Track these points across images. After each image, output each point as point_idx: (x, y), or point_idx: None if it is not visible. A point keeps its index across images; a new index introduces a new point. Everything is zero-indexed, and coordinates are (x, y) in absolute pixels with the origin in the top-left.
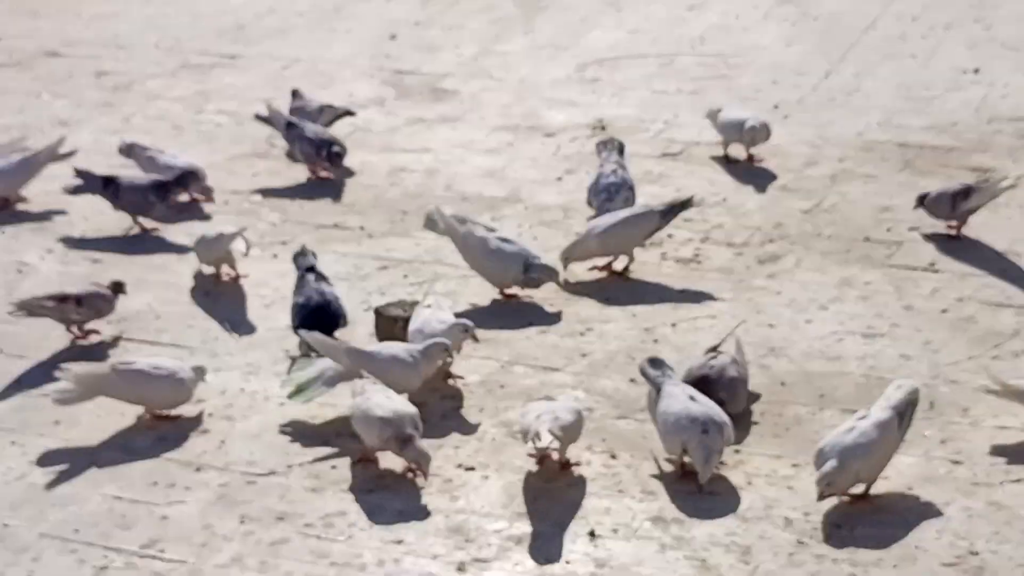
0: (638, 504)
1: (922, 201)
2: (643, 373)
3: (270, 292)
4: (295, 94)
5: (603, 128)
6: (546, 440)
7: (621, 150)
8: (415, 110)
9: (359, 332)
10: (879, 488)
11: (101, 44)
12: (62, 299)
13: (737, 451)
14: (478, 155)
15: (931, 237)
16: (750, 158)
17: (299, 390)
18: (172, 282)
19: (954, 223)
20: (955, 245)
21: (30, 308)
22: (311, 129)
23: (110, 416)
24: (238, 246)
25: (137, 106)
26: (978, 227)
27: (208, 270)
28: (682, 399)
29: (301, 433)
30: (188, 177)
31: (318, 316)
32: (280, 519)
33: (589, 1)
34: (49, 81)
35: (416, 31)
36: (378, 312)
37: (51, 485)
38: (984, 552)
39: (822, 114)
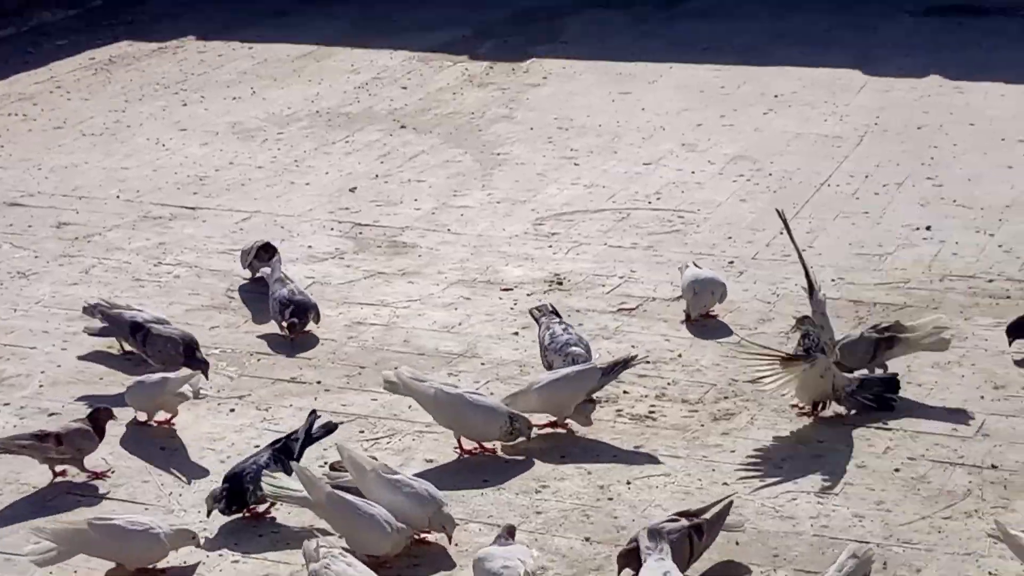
0: None
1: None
2: (637, 543)
3: (226, 447)
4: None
5: (559, 283)
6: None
7: (555, 312)
8: (373, 264)
9: None
10: None
11: (62, 195)
12: (41, 437)
13: None
14: (435, 310)
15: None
16: (707, 315)
17: (274, 489)
18: (128, 435)
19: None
20: (907, 404)
21: (7, 448)
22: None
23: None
24: (188, 389)
25: (97, 257)
26: (930, 385)
27: (141, 416)
28: (656, 573)
29: None
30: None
31: (228, 483)
32: None
33: (546, 156)
34: (9, 232)
35: (375, 185)
36: (333, 467)
37: None
38: None
39: (776, 271)
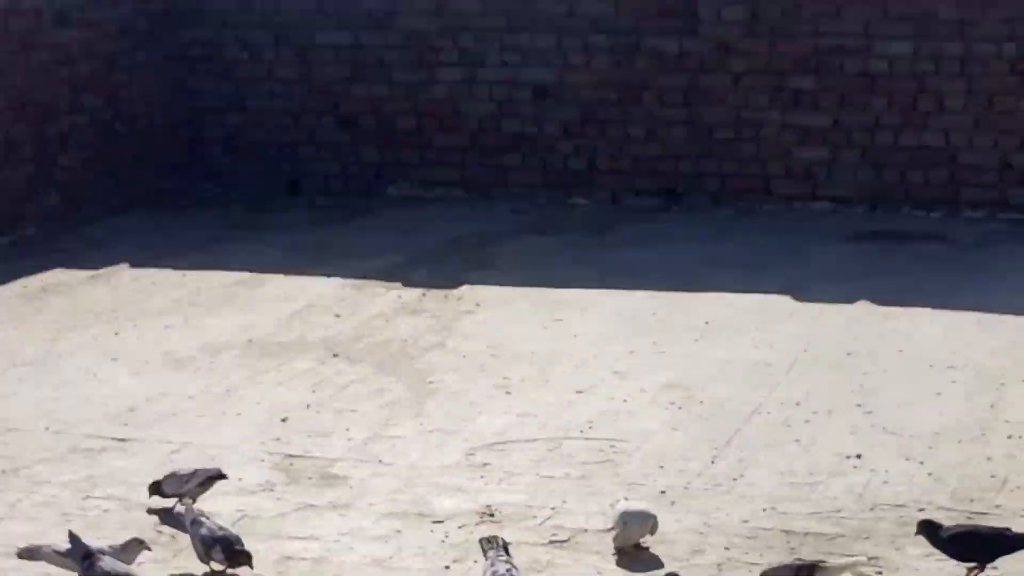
0: None
1: None
2: None
3: None
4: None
5: (491, 515)
6: None
7: (506, 548)
8: (304, 496)
9: None
10: None
11: None
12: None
13: None
14: (366, 543)
15: None
16: (638, 547)
17: None
18: None
19: None
20: None
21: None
22: (208, 526)
23: None
24: None
25: (24, 492)
26: None
27: None
28: None
29: None
30: None
31: None
32: None
33: (478, 385)
34: None
35: (307, 415)
36: None
37: None
38: None
39: (708, 501)
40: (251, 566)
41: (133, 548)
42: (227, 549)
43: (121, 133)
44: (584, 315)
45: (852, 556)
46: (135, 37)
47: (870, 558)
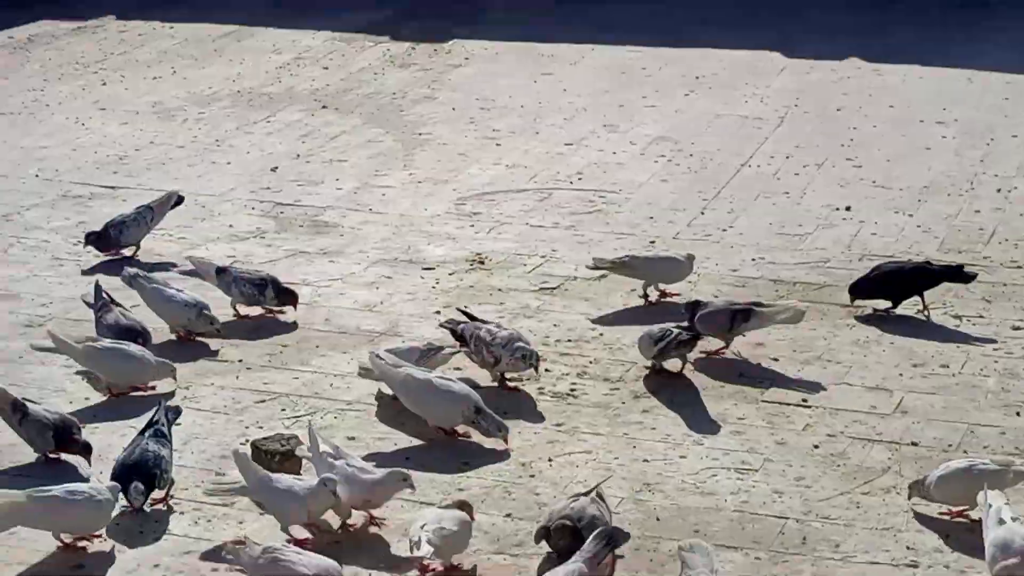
0: None
1: (693, 312)
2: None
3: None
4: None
5: (481, 262)
6: (425, 550)
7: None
8: (295, 243)
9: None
10: None
11: None
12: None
13: None
14: (357, 289)
15: (801, 375)
16: (663, 294)
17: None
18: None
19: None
20: (828, 380)
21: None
22: (240, 269)
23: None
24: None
25: (15, 236)
26: (849, 363)
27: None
28: None
29: (176, 568)
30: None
31: (133, 472)
32: None
33: (468, 136)
34: None
35: (296, 164)
36: (255, 446)
37: None
38: None
39: (697, 251)
40: (296, 307)
41: None
42: (280, 293)
43: None
44: (573, 69)
45: (788, 301)
46: None
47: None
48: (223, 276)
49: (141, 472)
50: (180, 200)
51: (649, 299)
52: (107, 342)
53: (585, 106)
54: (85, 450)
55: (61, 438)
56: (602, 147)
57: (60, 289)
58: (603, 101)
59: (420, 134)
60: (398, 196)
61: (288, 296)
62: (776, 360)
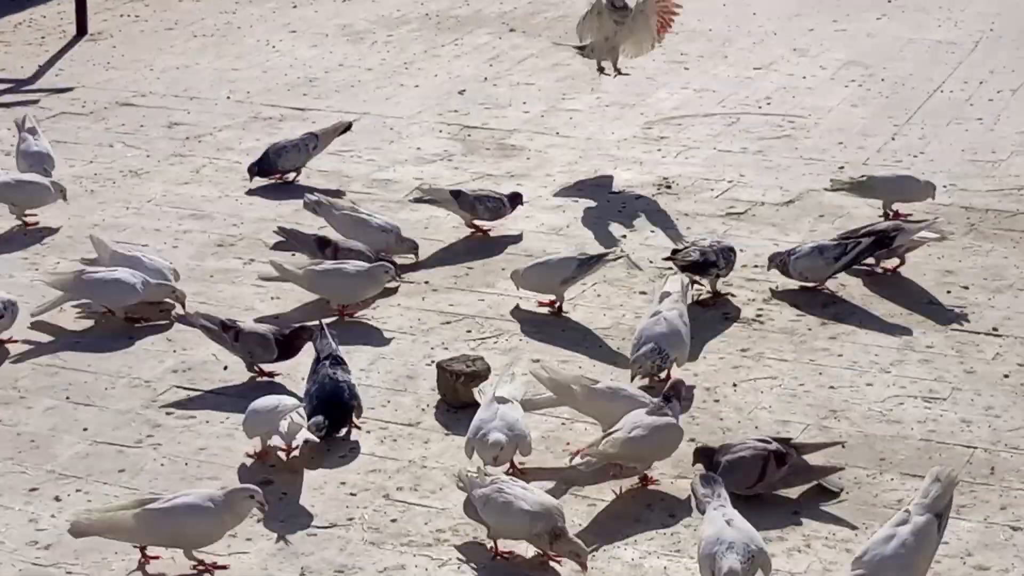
0: (696, 564)
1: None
2: (692, 491)
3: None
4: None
5: (668, 186)
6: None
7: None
8: (482, 166)
9: (423, 386)
10: (939, 552)
11: (173, 96)
12: (225, 327)
13: (795, 512)
14: (543, 212)
15: (994, 301)
16: (896, 215)
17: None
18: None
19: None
20: (1019, 309)
21: (191, 320)
22: (472, 192)
23: (173, 464)
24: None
25: (208, 157)
26: None
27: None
28: (719, 523)
29: (362, 486)
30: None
31: (331, 405)
32: (339, 572)
33: (656, 61)
34: (121, 131)
35: (484, 88)
36: (440, 367)
37: None
38: None
39: None
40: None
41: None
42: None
43: None
44: None
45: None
46: None
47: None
48: (461, 199)
49: (338, 404)
50: (348, 128)
51: (890, 214)
52: (327, 264)
53: (775, 30)
54: (312, 337)
55: (286, 343)
56: (791, 71)
57: (250, 210)
58: (793, 25)
59: None
60: (585, 120)
61: (518, 199)
62: (967, 288)
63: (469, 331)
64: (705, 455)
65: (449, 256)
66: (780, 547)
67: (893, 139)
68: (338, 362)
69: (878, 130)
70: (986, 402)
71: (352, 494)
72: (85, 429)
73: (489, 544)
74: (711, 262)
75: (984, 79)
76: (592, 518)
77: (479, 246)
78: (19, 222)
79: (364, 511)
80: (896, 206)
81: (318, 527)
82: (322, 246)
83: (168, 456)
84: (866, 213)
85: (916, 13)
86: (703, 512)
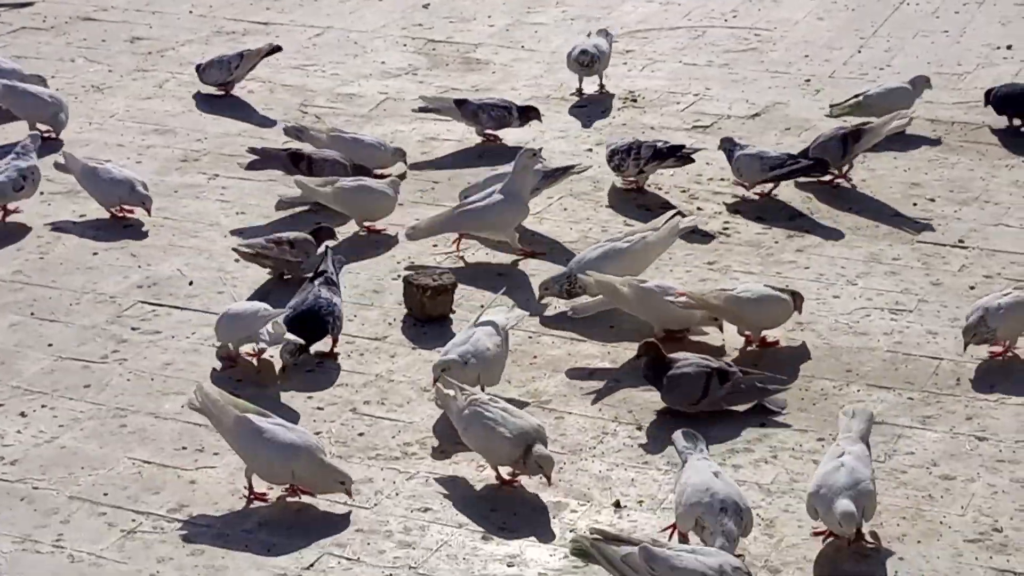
0: (663, 476)
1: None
2: (673, 444)
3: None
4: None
5: (634, 100)
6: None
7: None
8: (447, 80)
9: (388, 300)
10: (904, 462)
11: (135, 10)
12: (278, 243)
13: (762, 424)
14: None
15: (960, 213)
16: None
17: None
18: (204, 247)
19: (842, 169)
20: (985, 221)
21: (244, 253)
22: (476, 100)
23: (139, 379)
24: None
25: (170, 72)
26: (1009, 205)
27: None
28: (705, 473)
29: (329, 400)
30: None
31: (303, 322)
32: None
33: None
34: (83, 46)
35: (448, 1)
36: (407, 281)
37: (81, 448)
38: (1007, 529)
39: (853, 89)
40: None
41: None
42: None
43: None
44: None
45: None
46: None
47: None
48: (464, 107)
49: (314, 319)
50: (277, 49)
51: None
52: (349, 181)
53: None
54: (329, 234)
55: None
56: None
57: (214, 125)
58: None
59: None
60: (550, 33)
61: (531, 112)
62: (933, 200)
63: (435, 245)
64: (651, 354)
65: (414, 171)
66: (747, 458)
67: (859, 52)
68: (330, 283)
69: (844, 43)
70: (952, 313)
71: (319, 408)
72: (50, 345)
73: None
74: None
75: None
76: (560, 431)
77: (444, 159)
78: None
79: (331, 425)
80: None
81: None
82: (296, 161)
83: (134, 371)
84: (832, 124)
85: None
86: (684, 462)
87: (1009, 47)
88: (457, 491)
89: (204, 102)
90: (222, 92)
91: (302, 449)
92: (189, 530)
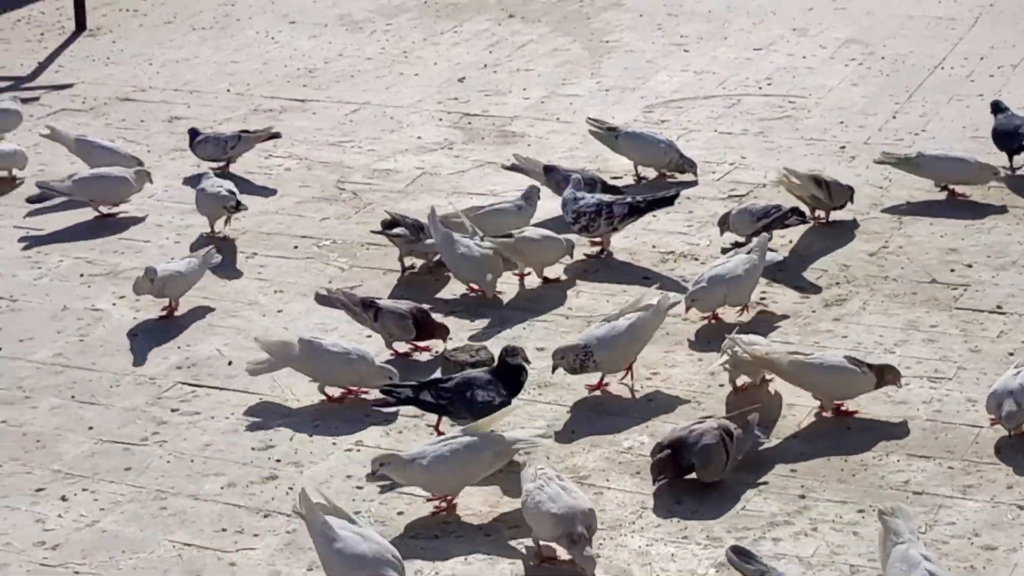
0: (703, 551)
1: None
2: (732, 564)
3: (337, 338)
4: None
5: (678, 172)
6: None
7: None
8: (483, 154)
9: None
10: (945, 533)
11: (172, 89)
12: (365, 305)
13: (802, 496)
14: (546, 199)
15: (998, 279)
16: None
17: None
18: (242, 327)
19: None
20: (1023, 287)
21: (331, 298)
22: (565, 169)
23: (179, 461)
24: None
25: None
26: None
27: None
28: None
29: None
30: None
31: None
32: None
33: (656, 43)
34: (122, 127)
35: (484, 75)
36: (446, 357)
37: (121, 532)
38: None
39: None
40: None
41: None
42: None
43: None
44: None
45: None
46: None
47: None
48: (552, 174)
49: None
50: (276, 136)
51: (951, 191)
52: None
53: (774, 10)
54: (443, 331)
55: (421, 323)
56: (791, 51)
57: (251, 202)
58: (792, 4)
59: (607, 41)
60: (586, 104)
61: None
62: (970, 266)
63: (473, 320)
64: (665, 453)
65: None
66: (787, 531)
67: (894, 117)
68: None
69: (879, 108)
70: (991, 380)
71: (358, 487)
72: (90, 428)
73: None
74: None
75: (985, 55)
76: (599, 507)
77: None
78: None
79: (371, 504)
80: (951, 185)
81: None
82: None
83: (174, 453)
84: (865, 192)
85: None
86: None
87: None
88: (495, 568)
89: (242, 181)
90: (221, 168)
91: (369, 562)
92: None
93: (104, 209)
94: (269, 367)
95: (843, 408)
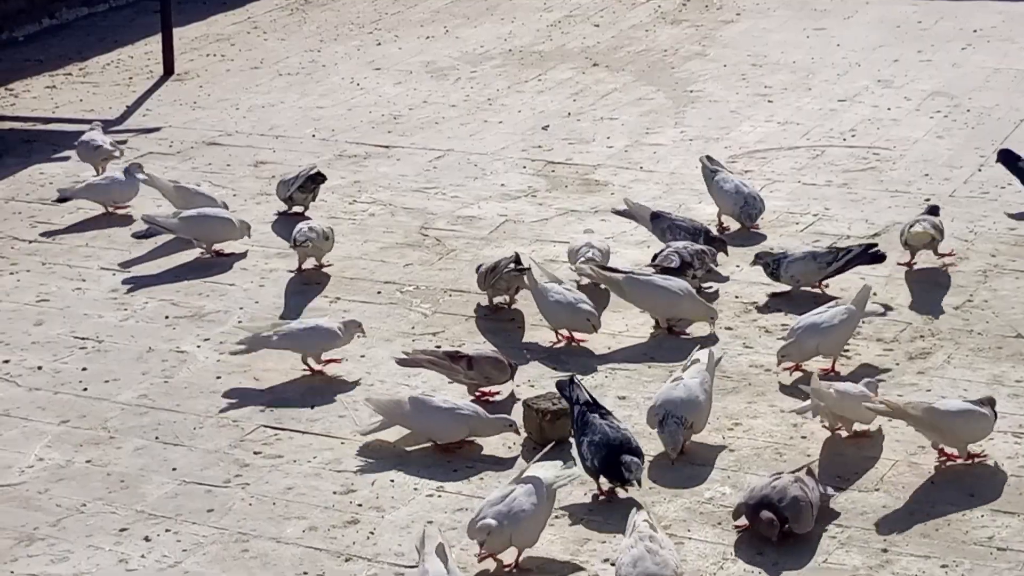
0: None
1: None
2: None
3: (420, 383)
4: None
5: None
6: None
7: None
8: (566, 202)
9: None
10: None
11: (258, 134)
12: (454, 358)
13: (885, 550)
14: (629, 247)
15: None
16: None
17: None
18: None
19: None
20: None
21: (417, 360)
22: (676, 216)
23: (261, 504)
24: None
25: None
26: None
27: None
28: None
29: (449, 525)
30: None
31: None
32: None
33: (739, 93)
34: (208, 171)
35: (567, 123)
36: (527, 405)
37: (204, 573)
38: None
39: (974, 208)
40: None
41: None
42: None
43: None
44: (847, 23)
45: None
46: None
47: None
48: (658, 221)
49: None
50: (320, 176)
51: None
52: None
53: (859, 61)
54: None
55: (513, 366)
56: (876, 103)
57: (335, 247)
58: (877, 56)
59: (691, 91)
60: (669, 154)
61: (718, 244)
62: None
63: (554, 367)
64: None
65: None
66: None
67: (979, 170)
68: (602, 412)
69: (964, 161)
70: None
71: (441, 533)
72: (174, 469)
73: None
74: (687, 263)
75: None
76: (680, 557)
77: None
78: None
79: (452, 550)
80: None
81: (405, 566)
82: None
83: (256, 496)
84: (951, 244)
85: (1002, 42)
86: None
87: None
88: None
89: (328, 225)
90: (287, 209)
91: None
92: None
93: (216, 247)
94: (381, 427)
95: (973, 453)
